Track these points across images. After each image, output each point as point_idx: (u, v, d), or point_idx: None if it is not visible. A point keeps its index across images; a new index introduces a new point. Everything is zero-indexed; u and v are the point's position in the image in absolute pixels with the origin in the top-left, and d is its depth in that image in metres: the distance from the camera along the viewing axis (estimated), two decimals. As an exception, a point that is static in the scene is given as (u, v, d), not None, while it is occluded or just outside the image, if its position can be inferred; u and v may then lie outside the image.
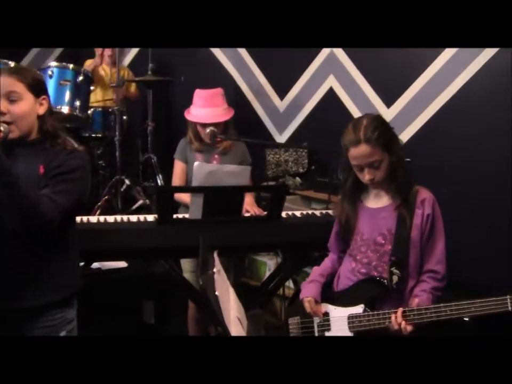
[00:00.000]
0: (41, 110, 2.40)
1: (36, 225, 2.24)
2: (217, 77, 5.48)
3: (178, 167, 3.82)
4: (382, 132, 2.45)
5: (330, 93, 4.81)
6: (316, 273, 2.78)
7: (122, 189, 4.69)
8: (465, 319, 2.35)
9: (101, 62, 5.40)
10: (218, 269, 2.42)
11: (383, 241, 2.53)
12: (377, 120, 2.52)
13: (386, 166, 2.47)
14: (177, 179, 3.81)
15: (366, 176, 2.48)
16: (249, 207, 3.53)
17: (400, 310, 2.36)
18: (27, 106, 2.34)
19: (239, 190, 3.13)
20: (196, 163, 3.21)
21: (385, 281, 2.47)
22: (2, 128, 2.25)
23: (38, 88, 2.40)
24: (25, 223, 2.24)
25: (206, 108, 3.74)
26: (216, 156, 3.79)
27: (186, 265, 3.76)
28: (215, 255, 2.46)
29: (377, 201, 2.61)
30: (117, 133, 4.66)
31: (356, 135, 2.44)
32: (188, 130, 3.82)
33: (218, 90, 3.86)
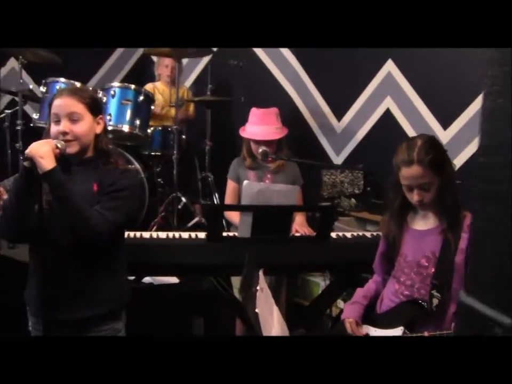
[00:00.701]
0: (98, 129, 2.51)
1: (86, 238, 2.34)
2: (275, 97, 5.52)
3: (231, 187, 3.91)
4: (436, 154, 2.44)
5: (387, 114, 4.82)
6: (359, 295, 2.78)
7: (179, 207, 4.76)
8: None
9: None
10: (262, 287, 2.44)
11: (427, 264, 2.51)
12: (432, 141, 2.52)
13: (436, 189, 2.45)
14: (229, 199, 3.90)
15: (414, 197, 2.47)
16: (299, 227, 3.56)
17: (425, 333, 2.35)
18: (87, 125, 2.45)
19: (287, 209, 3.16)
20: (245, 182, 3.27)
21: (425, 304, 2.45)
22: (59, 145, 2.36)
23: (96, 108, 2.51)
24: (76, 236, 2.35)
25: (259, 126, 3.84)
26: (268, 175, 3.86)
27: (237, 282, 3.81)
28: (260, 273, 2.49)
29: (424, 223, 2.60)
30: (175, 152, 4.74)
31: (409, 155, 2.43)
32: (242, 147, 3.91)
33: (273, 110, 3.94)
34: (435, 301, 2.43)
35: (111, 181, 2.43)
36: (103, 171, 2.47)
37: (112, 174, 2.46)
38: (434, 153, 2.43)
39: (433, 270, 2.49)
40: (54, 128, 2.43)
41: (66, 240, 2.38)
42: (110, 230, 2.36)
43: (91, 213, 2.34)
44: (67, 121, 2.41)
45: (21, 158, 4.64)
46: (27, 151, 2.28)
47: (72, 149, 2.42)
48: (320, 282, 4.64)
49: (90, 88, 4.62)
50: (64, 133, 2.40)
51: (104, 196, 2.41)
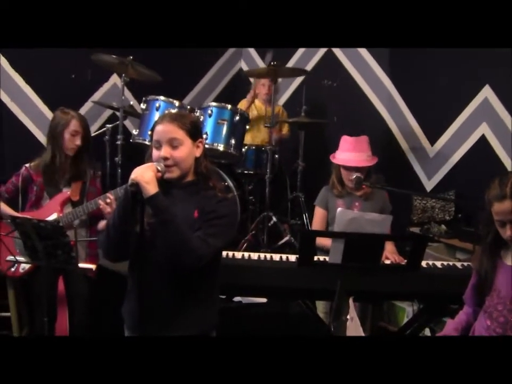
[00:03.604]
0: (198, 152, 2.59)
1: (187, 261, 2.40)
2: (368, 119, 5.56)
3: (319, 213, 3.96)
4: None
5: (483, 140, 4.77)
6: (450, 327, 2.76)
7: (269, 225, 4.83)
8: None
9: (253, 101, 5.62)
10: (352, 316, 2.48)
11: None
12: None
13: None
14: (317, 225, 3.95)
15: (507, 232, 2.43)
16: (390, 254, 3.57)
17: None
18: (187, 150, 2.52)
19: (380, 238, 3.16)
20: (339, 209, 3.29)
21: (520, 343, 2.41)
22: (160, 168, 2.45)
23: (195, 133, 2.58)
24: (177, 258, 2.42)
25: (351, 153, 3.84)
26: (357, 203, 3.88)
27: (321, 306, 3.86)
28: (350, 301, 2.52)
29: None
30: (268, 171, 4.81)
31: (501, 190, 2.39)
32: (332, 174, 3.94)
33: (364, 138, 3.93)
34: None
35: (211, 208, 2.50)
36: (203, 197, 2.54)
37: (212, 201, 2.53)
38: None
39: None
40: (155, 153, 2.52)
41: (165, 262, 2.46)
42: (209, 254, 2.43)
43: (192, 236, 2.42)
44: (167, 146, 2.49)
45: (119, 170, 4.84)
46: (132, 176, 2.37)
47: (173, 174, 2.51)
48: (406, 308, 4.61)
49: (189, 107, 4.75)
50: (165, 158, 2.48)
51: (204, 222, 2.48)
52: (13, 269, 3.64)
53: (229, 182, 4.87)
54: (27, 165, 3.78)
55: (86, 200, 3.73)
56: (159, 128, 2.53)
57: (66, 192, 3.73)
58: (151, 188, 2.36)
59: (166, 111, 4.49)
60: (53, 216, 3.64)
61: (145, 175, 2.36)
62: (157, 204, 2.38)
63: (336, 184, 3.88)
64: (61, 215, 3.65)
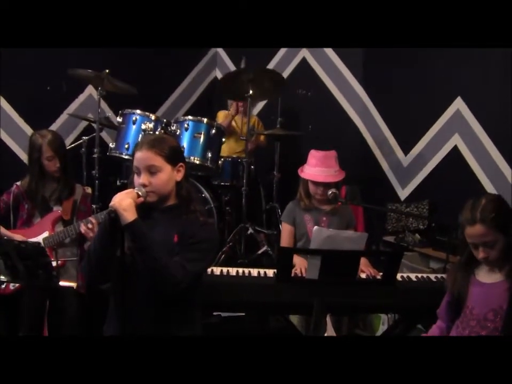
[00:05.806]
0: (179, 176, 2.60)
1: (165, 286, 2.44)
2: (343, 129, 5.64)
3: (286, 229, 4.00)
4: (500, 214, 2.49)
5: (455, 151, 4.83)
6: None
7: (246, 235, 4.86)
8: None
9: (236, 113, 5.63)
10: (329, 334, 2.54)
11: (493, 318, 2.55)
12: (496, 201, 2.57)
13: (501, 246, 2.50)
14: (284, 242, 3.99)
15: (480, 254, 2.53)
16: (365, 267, 3.62)
17: None
18: (165, 177, 2.54)
19: (355, 254, 3.22)
20: (315, 228, 3.33)
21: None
22: (140, 193, 2.47)
23: (175, 158, 2.59)
24: (155, 284, 2.46)
25: (319, 168, 3.87)
26: (324, 218, 3.92)
27: (295, 320, 3.92)
28: (328, 319, 2.58)
29: (490, 276, 2.63)
30: (244, 182, 4.85)
31: (472, 214, 2.50)
32: (299, 187, 3.99)
33: (332, 153, 3.95)
34: None
35: (191, 233, 2.52)
36: (185, 221, 2.57)
37: (193, 226, 2.55)
38: (498, 212, 2.49)
39: (500, 324, 2.52)
40: (136, 179, 2.55)
41: (146, 285, 2.49)
42: (188, 279, 2.46)
43: (171, 262, 2.44)
44: (146, 173, 2.51)
45: (96, 183, 4.84)
46: (111, 203, 2.39)
47: (152, 198, 2.53)
48: (381, 316, 4.67)
49: (165, 120, 4.76)
50: (144, 185, 2.51)
51: (184, 247, 2.51)
52: (3, 286, 3.64)
53: (206, 194, 4.92)
54: (18, 183, 3.84)
55: (76, 219, 3.77)
56: (138, 155, 2.54)
57: (57, 211, 3.77)
58: (128, 215, 2.38)
59: (143, 125, 4.55)
60: (44, 235, 3.68)
61: (123, 203, 2.39)
62: (134, 231, 2.40)
63: (304, 198, 3.92)
64: (52, 233, 3.68)
